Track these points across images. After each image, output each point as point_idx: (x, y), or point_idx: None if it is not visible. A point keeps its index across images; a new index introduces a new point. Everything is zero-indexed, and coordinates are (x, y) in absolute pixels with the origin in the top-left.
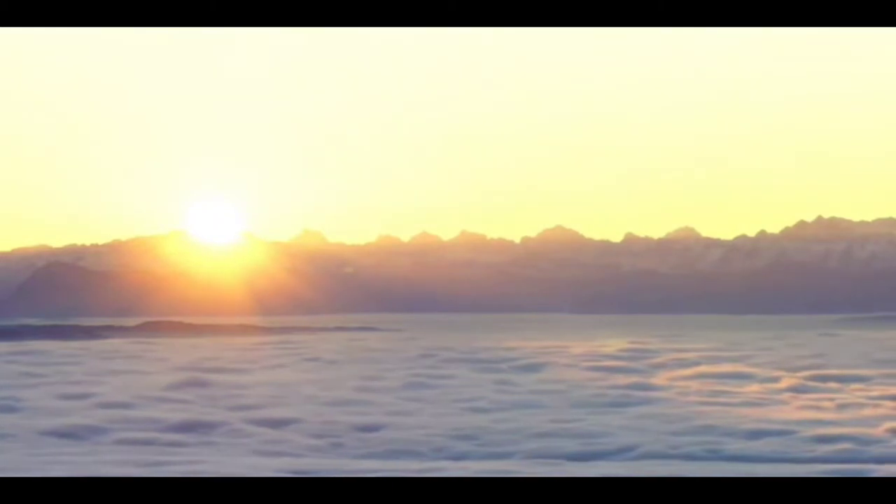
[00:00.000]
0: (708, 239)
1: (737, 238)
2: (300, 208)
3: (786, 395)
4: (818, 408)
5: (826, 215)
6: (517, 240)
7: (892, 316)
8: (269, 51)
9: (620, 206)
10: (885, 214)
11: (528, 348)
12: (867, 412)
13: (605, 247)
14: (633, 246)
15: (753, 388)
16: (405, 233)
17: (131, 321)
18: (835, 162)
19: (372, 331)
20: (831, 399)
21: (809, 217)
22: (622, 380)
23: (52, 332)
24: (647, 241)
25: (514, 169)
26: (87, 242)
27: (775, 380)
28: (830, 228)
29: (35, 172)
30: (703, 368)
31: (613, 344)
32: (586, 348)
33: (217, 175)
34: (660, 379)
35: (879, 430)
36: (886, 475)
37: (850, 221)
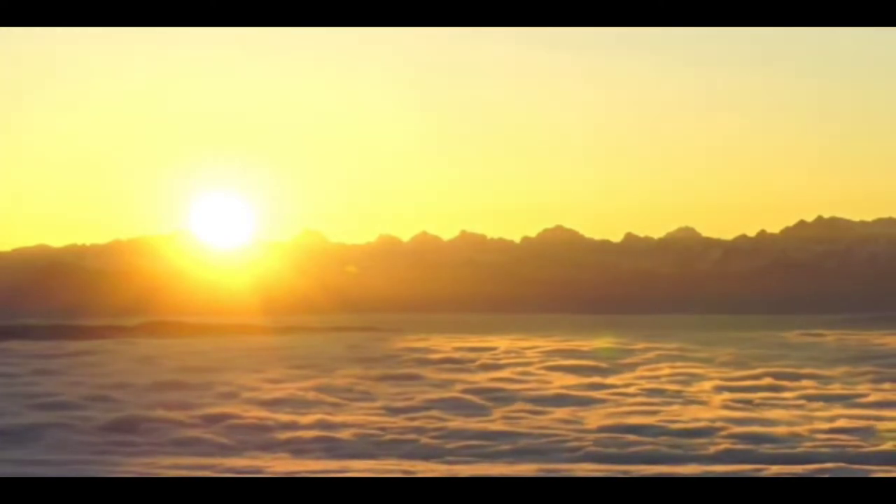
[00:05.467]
0: (708, 239)
1: (737, 238)
2: (300, 208)
3: (715, 395)
4: (740, 408)
5: (826, 215)
6: (517, 240)
7: (891, 316)
8: (271, 50)
9: (620, 206)
10: (885, 214)
11: (504, 347)
12: (787, 413)
13: (605, 247)
14: (633, 246)
15: (690, 388)
16: (405, 233)
17: (132, 321)
18: (835, 162)
19: (371, 331)
20: (762, 399)
21: (809, 217)
22: (570, 380)
23: (51, 332)
24: (647, 241)
25: (514, 169)
26: (88, 242)
27: (715, 378)
28: (830, 228)
29: (36, 172)
30: (648, 370)
31: (594, 343)
32: (560, 347)
33: (218, 175)
34: (610, 379)
35: (797, 430)
36: (775, 475)
37: (850, 221)
